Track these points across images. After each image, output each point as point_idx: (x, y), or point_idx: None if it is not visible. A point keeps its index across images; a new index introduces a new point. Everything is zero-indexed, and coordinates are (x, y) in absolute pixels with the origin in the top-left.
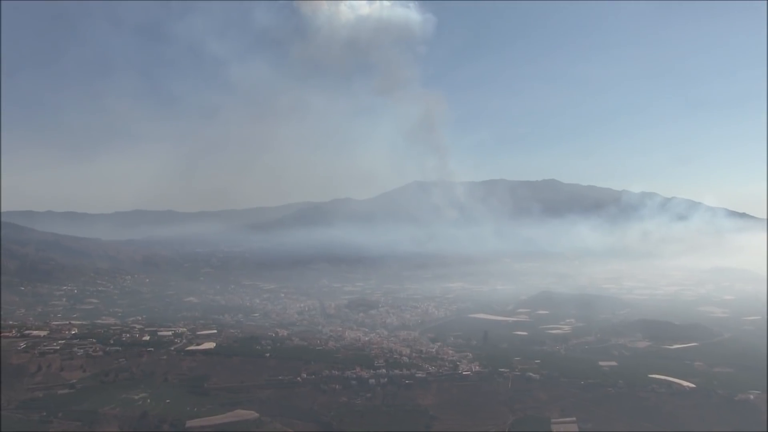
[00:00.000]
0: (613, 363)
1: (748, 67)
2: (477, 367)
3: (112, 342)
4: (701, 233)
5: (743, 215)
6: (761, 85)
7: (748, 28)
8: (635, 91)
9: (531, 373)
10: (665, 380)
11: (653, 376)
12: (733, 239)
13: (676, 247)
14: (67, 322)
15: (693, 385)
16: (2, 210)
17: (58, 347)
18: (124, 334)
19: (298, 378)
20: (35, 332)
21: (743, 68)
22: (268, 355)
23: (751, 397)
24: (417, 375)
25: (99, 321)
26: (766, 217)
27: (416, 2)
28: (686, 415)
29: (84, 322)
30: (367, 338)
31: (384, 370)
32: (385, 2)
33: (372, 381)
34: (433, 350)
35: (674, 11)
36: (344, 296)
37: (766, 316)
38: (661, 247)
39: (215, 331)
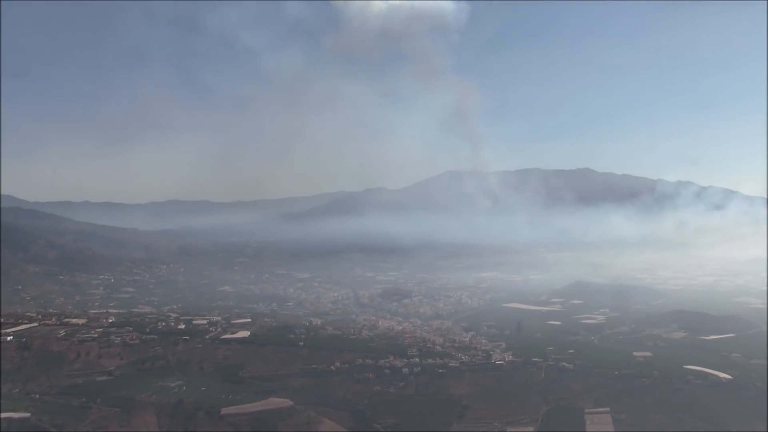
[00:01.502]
0: (648, 354)
1: None
2: (510, 357)
3: (148, 330)
4: (738, 223)
5: None
6: None
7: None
8: (672, 79)
9: (564, 363)
10: (701, 371)
11: (688, 367)
12: None
13: (713, 237)
14: (105, 311)
15: (730, 377)
16: (41, 201)
17: (96, 335)
18: (159, 323)
19: (332, 367)
20: (74, 320)
21: None
22: (301, 344)
23: None
24: (450, 364)
25: (135, 310)
26: None
27: None
28: (722, 407)
29: (121, 311)
30: (400, 327)
31: (417, 360)
32: None
33: (405, 370)
34: (467, 340)
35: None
36: (377, 286)
37: None
38: (696, 237)
39: (249, 320)
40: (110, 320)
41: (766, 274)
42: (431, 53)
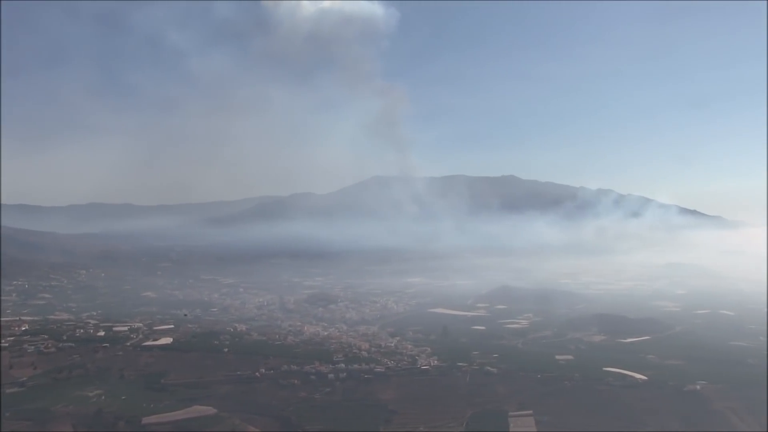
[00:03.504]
0: (570, 357)
1: (707, 68)
2: (436, 362)
3: (65, 338)
4: (654, 229)
5: (694, 212)
6: (713, 86)
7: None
8: (595, 91)
9: (489, 367)
10: (619, 373)
11: (608, 369)
12: (685, 235)
13: (631, 242)
14: (17, 318)
15: (645, 378)
16: None
17: (7, 344)
18: (78, 330)
19: (257, 373)
20: None
21: (706, 69)
22: (226, 350)
23: (698, 387)
24: (376, 370)
25: (52, 317)
26: (716, 214)
27: None
28: (639, 406)
29: (36, 318)
30: (326, 333)
31: (343, 365)
32: None
33: (331, 376)
34: (393, 345)
35: (640, 11)
36: (304, 291)
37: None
38: (616, 243)
39: (173, 326)
40: (23, 328)
41: (680, 278)
42: (360, 58)
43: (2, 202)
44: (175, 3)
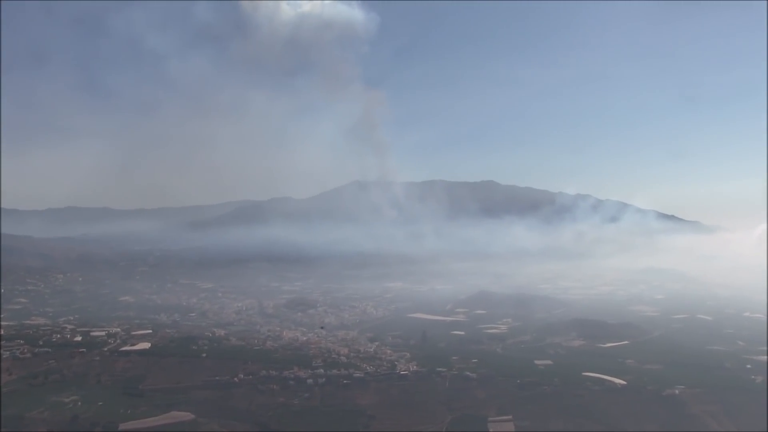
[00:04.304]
0: (549, 362)
1: (690, 73)
2: (415, 367)
3: (41, 343)
4: (632, 234)
5: (672, 217)
6: (696, 90)
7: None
8: (574, 96)
9: (468, 372)
10: (598, 378)
11: (587, 374)
12: (663, 240)
13: (609, 247)
14: None
15: (624, 382)
16: None
17: None
18: (54, 335)
19: (235, 378)
20: None
21: (689, 74)
22: (204, 355)
23: (677, 392)
24: (355, 375)
25: (28, 322)
26: (694, 219)
27: (360, 1)
28: (618, 411)
29: (11, 323)
30: (305, 338)
31: (322, 370)
32: (327, 1)
33: (310, 381)
34: (371, 350)
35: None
36: (283, 295)
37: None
38: (594, 248)
39: (150, 331)
40: None
41: (658, 283)
42: (340, 62)
43: None
44: (154, 5)
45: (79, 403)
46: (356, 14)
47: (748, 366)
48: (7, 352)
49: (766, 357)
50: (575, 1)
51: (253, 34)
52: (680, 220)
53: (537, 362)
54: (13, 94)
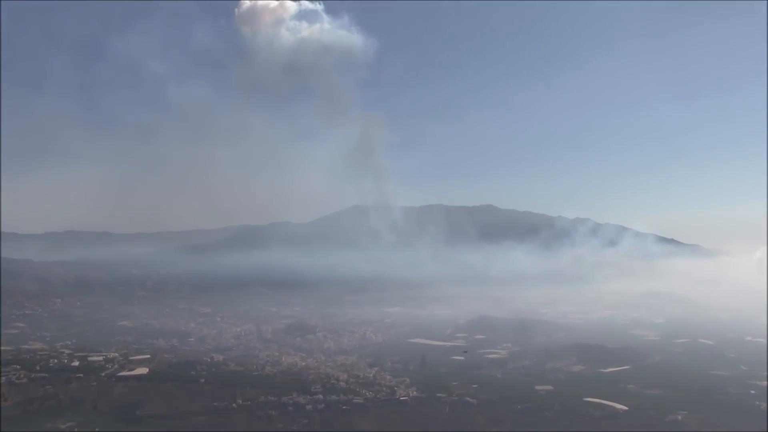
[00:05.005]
0: (550, 387)
1: (685, 97)
2: (415, 392)
3: (38, 368)
4: (631, 258)
5: (671, 241)
6: (682, 117)
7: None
8: (573, 120)
9: (469, 398)
10: (600, 403)
11: (588, 399)
12: (662, 264)
13: (608, 271)
14: None
15: (626, 408)
16: None
17: None
18: (51, 360)
19: (234, 404)
20: None
21: (684, 99)
22: (202, 380)
23: (679, 417)
24: (354, 400)
25: (25, 346)
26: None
27: (358, 26)
28: None
29: (8, 348)
30: (304, 363)
31: (321, 396)
32: (326, 26)
33: (309, 407)
34: (371, 375)
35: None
36: (282, 320)
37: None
38: (593, 272)
39: (149, 356)
40: None
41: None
42: (339, 87)
43: None
44: (154, 30)
45: (76, 430)
46: (355, 39)
47: (752, 392)
48: (3, 378)
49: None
50: (572, 25)
51: (252, 58)
52: (679, 243)
53: (538, 387)
54: (13, 117)
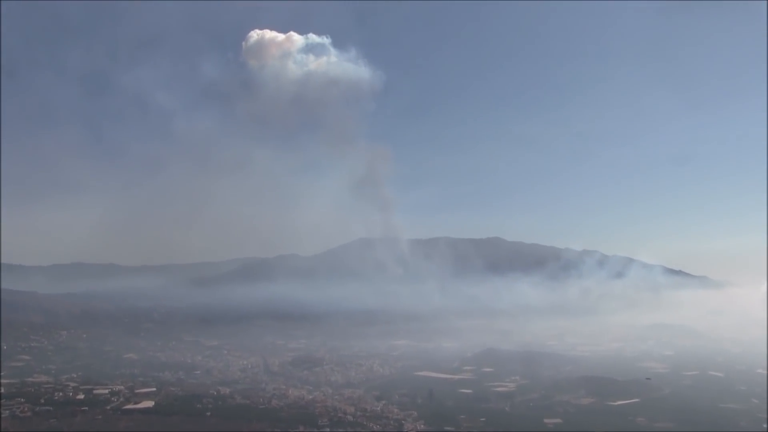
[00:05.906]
0: (558, 420)
1: (691, 127)
2: (422, 426)
3: (42, 401)
4: (639, 289)
5: (679, 272)
6: (691, 135)
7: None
8: (581, 151)
9: None
10: None
11: None
12: (670, 295)
13: (616, 303)
14: None
15: None
16: None
17: None
18: (56, 393)
19: None
20: None
21: (690, 129)
22: (209, 414)
23: None
24: None
25: (30, 379)
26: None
27: (365, 59)
28: None
29: (12, 381)
30: (311, 396)
31: (328, 429)
32: (333, 59)
33: None
34: (378, 409)
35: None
36: (288, 353)
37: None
38: (600, 304)
39: (155, 389)
40: None
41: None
42: (345, 120)
43: None
44: (161, 63)
45: None
46: (362, 72)
47: (765, 425)
48: (7, 411)
49: None
50: (576, 59)
51: (259, 91)
52: (687, 275)
53: (546, 421)
54: (18, 149)
